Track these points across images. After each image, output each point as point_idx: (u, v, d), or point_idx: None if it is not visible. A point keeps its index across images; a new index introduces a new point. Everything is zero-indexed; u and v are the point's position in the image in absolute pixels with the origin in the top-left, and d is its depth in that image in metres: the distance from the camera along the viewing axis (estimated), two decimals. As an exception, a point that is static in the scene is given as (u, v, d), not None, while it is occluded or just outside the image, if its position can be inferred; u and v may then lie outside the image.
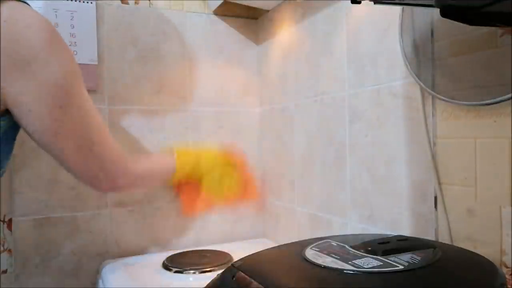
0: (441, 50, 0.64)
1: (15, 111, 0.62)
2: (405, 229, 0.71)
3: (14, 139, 0.69)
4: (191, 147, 1.01)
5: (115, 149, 0.75)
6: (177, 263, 0.92)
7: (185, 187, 0.99)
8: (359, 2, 0.57)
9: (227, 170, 0.99)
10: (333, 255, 0.49)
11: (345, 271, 0.44)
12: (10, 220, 0.97)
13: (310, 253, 0.50)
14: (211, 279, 0.50)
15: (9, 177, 0.97)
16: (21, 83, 0.60)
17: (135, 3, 1.10)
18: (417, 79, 0.66)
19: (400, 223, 0.73)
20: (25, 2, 0.64)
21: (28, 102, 0.61)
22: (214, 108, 1.19)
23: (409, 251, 0.48)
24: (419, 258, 0.46)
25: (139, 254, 1.07)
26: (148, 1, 1.11)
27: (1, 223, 0.97)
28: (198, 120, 1.17)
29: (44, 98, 0.62)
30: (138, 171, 0.81)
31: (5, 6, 0.59)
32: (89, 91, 1.03)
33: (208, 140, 1.18)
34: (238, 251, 0.96)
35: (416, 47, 0.68)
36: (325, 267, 0.45)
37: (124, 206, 1.08)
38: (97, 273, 1.02)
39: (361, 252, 0.49)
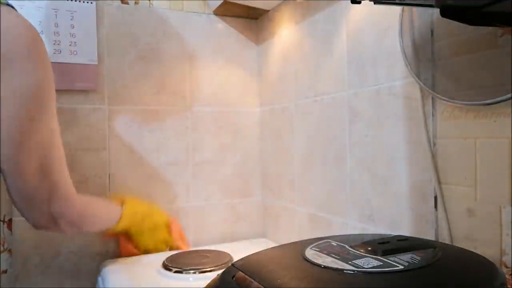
0: (441, 50, 0.64)
1: None
2: (405, 229, 0.71)
3: None
4: (140, 203, 1.00)
5: (69, 182, 0.71)
6: (177, 263, 0.92)
7: (121, 235, 1.02)
8: (359, 2, 0.57)
9: (163, 234, 1.04)
10: (333, 255, 0.49)
11: (345, 271, 0.44)
12: (10, 220, 0.97)
13: (310, 253, 0.50)
14: (211, 279, 0.50)
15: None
16: None
17: (135, 3, 1.10)
18: (417, 79, 0.66)
19: (400, 223, 0.73)
20: (11, 6, 0.63)
21: (2, 109, 0.58)
22: (214, 108, 1.19)
23: (409, 251, 0.48)
24: (419, 258, 0.46)
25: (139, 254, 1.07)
26: (148, 1, 1.11)
27: (1, 223, 0.97)
28: (198, 120, 1.17)
29: (17, 106, 0.59)
30: (83, 213, 0.77)
31: None
32: (89, 91, 1.04)
33: (208, 140, 1.18)
34: (238, 251, 0.95)
35: (416, 47, 0.68)
36: (325, 267, 0.45)
37: (124, 206, 1.07)
38: (97, 273, 1.01)
39: (361, 252, 0.49)
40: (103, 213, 0.87)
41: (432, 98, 0.65)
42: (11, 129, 0.60)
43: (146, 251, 1.03)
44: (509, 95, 0.52)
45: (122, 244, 1.03)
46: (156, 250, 1.03)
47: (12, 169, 0.64)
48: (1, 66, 0.57)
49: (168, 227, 1.05)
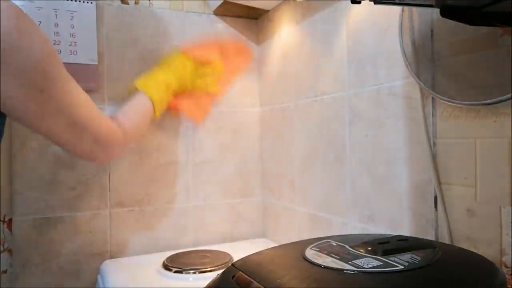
0: (441, 50, 0.64)
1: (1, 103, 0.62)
2: (405, 229, 0.71)
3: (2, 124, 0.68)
4: (150, 74, 0.96)
5: (104, 121, 0.76)
6: (177, 263, 0.92)
7: (179, 100, 1.01)
8: (359, 2, 0.57)
9: (203, 65, 1.01)
10: (333, 255, 0.49)
11: (345, 271, 0.44)
12: (10, 220, 0.97)
13: (310, 253, 0.50)
14: (211, 279, 0.50)
15: (9, 177, 0.97)
16: None
17: (135, 3, 1.10)
18: (417, 79, 0.66)
19: (400, 223, 0.73)
20: None
21: (7, 90, 0.61)
22: (214, 108, 1.19)
23: (409, 251, 0.48)
24: (419, 258, 0.46)
25: (139, 254, 1.07)
26: (148, 1, 1.11)
27: (1, 223, 0.97)
28: (198, 120, 1.17)
29: (23, 84, 0.62)
30: (129, 132, 0.82)
31: None
32: (89, 91, 1.03)
33: (208, 140, 1.18)
34: (238, 251, 0.96)
35: (416, 47, 0.68)
36: (325, 267, 0.45)
37: (124, 206, 1.08)
38: (97, 273, 1.02)
39: (361, 252, 0.49)
40: (141, 115, 0.89)
41: (432, 98, 0.65)
42: (28, 105, 0.63)
43: (217, 89, 1.02)
44: (509, 95, 0.52)
45: (188, 111, 1.02)
46: (218, 79, 1.02)
47: (49, 136, 0.69)
48: None
49: (196, 57, 1.01)
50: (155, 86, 0.93)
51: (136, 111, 0.88)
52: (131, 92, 0.91)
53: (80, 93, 0.71)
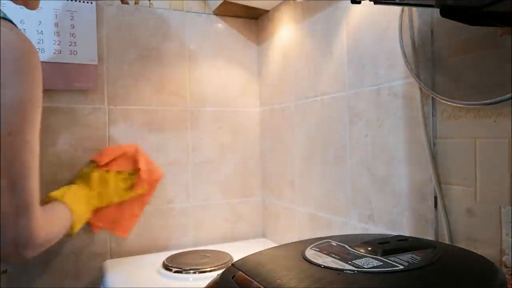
0: (441, 50, 0.64)
1: None
2: (405, 229, 0.71)
3: None
4: (63, 188, 0.91)
5: (39, 209, 0.67)
6: (177, 263, 0.92)
7: (100, 217, 0.99)
8: (359, 2, 0.57)
9: (107, 176, 0.97)
10: (333, 255, 0.49)
11: (345, 271, 0.44)
12: (10, 220, 0.97)
13: (310, 253, 0.50)
14: (211, 279, 0.50)
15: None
16: None
17: (135, 3, 1.10)
18: (417, 79, 0.66)
19: (400, 223, 0.73)
20: (8, 20, 0.62)
21: None
22: (214, 108, 1.19)
23: (409, 251, 0.48)
24: (419, 258, 0.46)
25: (139, 254, 1.07)
26: (148, 1, 1.11)
27: (1, 223, 0.96)
28: (198, 120, 1.17)
29: None
30: (49, 231, 0.71)
31: None
32: (89, 91, 1.04)
33: (208, 140, 1.18)
34: (238, 251, 0.96)
35: (416, 47, 0.68)
36: (325, 267, 0.45)
37: (124, 206, 1.07)
38: (97, 273, 1.02)
39: (361, 252, 0.49)
40: (61, 228, 0.80)
41: (432, 98, 0.65)
42: None
43: (115, 202, 0.98)
44: (509, 95, 0.52)
45: (110, 227, 1.01)
46: (122, 197, 0.98)
47: None
48: None
49: (106, 165, 0.98)
50: (74, 199, 0.87)
51: (56, 215, 0.80)
52: (48, 201, 0.85)
53: (37, 159, 0.66)
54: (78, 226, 0.88)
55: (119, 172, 0.99)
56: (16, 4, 0.72)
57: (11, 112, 0.60)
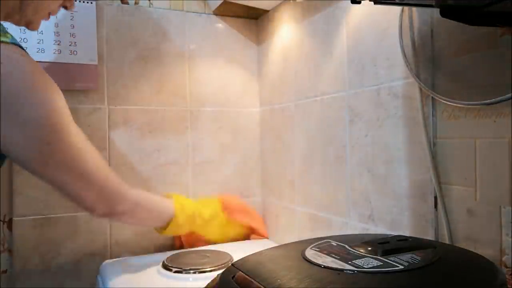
0: (441, 50, 0.64)
1: (3, 148, 0.64)
2: (405, 229, 0.71)
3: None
4: (189, 201, 1.02)
5: (111, 176, 0.76)
6: (177, 263, 0.92)
7: (187, 238, 1.05)
8: (359, 2, 0.57)
9: (226, 219, 1.06)
10: (333, 255, 0.49)
11: (345, 271, 0.44)
12: (10, 220, 0.97)
13: (310, 253, 0.50)
14: (211, 279, 0.50)
15: (9, 177, 0.97)
16: (5, 123, 0.62)
17: (135, 3, 1.10)
18: (417, 79, 0.66)
19: (400, 223, 0.73)
20: (14, 43, 0.64)
21: (15, 142, 0.64)
22: (214, 108, 1.19)
23: (409, 251, 0.48)
24: (419, 258, 0.46)
25: (139, 254, 1.07)
26: (148, 1, 1.11)
27: (1, 223, 0.97)
28: (198, 120, 1.17)
29: (30, 136, 0.64)
30: (136, 199, 0.81)
31: None
32: (89, 91, 1.04)
33: (208, 140, 1.18)
34: (238, 251, 0.96)
35: (416, 47, 0.68)
36: (325, 267, 0.45)
37: (124, 206, 1.07)
38: (97, 273, 1.01)
39: (361, 252, 0.49)
40: (156, 204, 0.89)
41: (432, 98, 0.65)
42: (33, 154, 0.66)
43: (218, 241, 1.07)
44: (509, 95, 0.52)
45: (184, 237, 1.06)
46: (227, 239, 1.08)
47: (52, 183, 0.70)
48: (9, 105, 0.62)
49: (228, 209, 1.07)
50: (187, 210, 0.95)
51: (150, 197, 0.88)
52: (166, 196, 0.95)
53: (87, 145, 0.74)
54: (170, 230, 0.93)
55: (231, 221, 1.09)
56: (18, 25, 0.77)
57: (40, 127, 0.65)
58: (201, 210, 1.00)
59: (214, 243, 1.07)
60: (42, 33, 0.98)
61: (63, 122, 0.69)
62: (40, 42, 0.98)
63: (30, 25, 0.77)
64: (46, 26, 0.99)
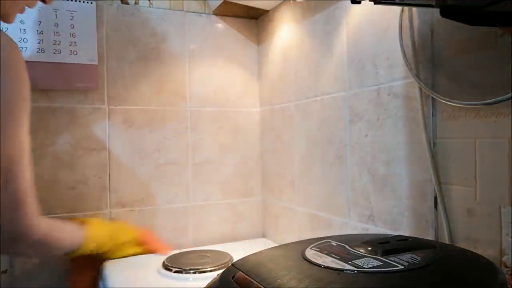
0: (441, 50, 0.64)
1: None
2: (405, 229, 0.71)
3: None
4: (105, 224, 0.96)
5: (34, 202, 0.69)
6: (177, 263, 0.92)
7: (81, 264, 0.96)
8: (359, 2, 0.57)
9: (132, 250, 0.99)
10: (333, 255, 0.49)
11: (345, 271, 0.44)
12: (10, 220, 0.97)
13: (310, 253, 0.50)
14: (211, 279, 0.50)
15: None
16: None
17: (135, 3, 1.10)
18: (417, 79, 0.66)
19: (400, 223, 0.73)
20: None
21: None
22: (214, 108, 1.19)
23: (409, 251, 0.48)
24: (419, 258, 0.46)
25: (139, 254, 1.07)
26: (148, 1, 1.11)
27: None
28: (198, 120, 1.17)
29: None
30: (47, 235, 0.73)
31: None
32: (89, 91, 1.04)
33: (208, 140, 1.18)
34: (238, 251, 0.96)
35: (416, 47, 0.68)
36: (325, 267, 0.45)
37: (124, 206, 1.08)
38: (97, 273, 1.01)
39: (361, 252, 0.49)
40: (67, 236, 0.82)
41: (432, 98, 0.65)
42: None
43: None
44: (509, 95, 0.52)
45: (73, 278, 0.97)
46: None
47: None
48: None
49: (140, 243, 1.00)
50: (97, 230, 0.89)
51: (64, 229, 0.81)
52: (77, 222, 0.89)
53: (27, 151, 0.68)
54: (82, 250, 0.86)
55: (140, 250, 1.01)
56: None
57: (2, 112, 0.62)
58: (116, 237, 0.95)
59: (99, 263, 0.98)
60: (42, 33, 0.98)
61: (19, 111, 0.65)
62: (40, 42, 0.98)
63: (5, 18, 0.74)
64: (46, 26, 0.99)
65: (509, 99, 0.53)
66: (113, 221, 1.04)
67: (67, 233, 0.82)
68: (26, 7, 0.76)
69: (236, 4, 1.12)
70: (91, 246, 0.87)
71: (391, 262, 0.45)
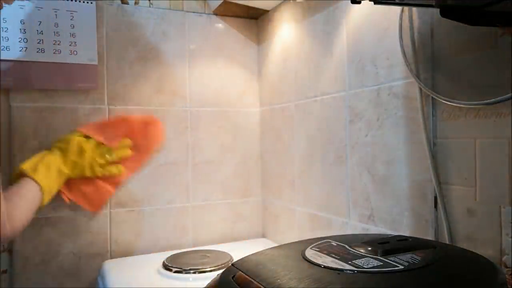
0: (441, 50, 0.64)
1: None
2: (405, 229, 0.71)
3: None
4: (40, 157, 0.87)
5: (3, 205, 0.70)
6: (177, 263, 0.92)
7: (73, 188, 0.92)
8: (359, 2, 0.57)
9: (106, 149, 0.91)
10: (333, 255, 0.49)
11: (345, 271, 0.44)
12: (10, 220, 0.97)
13: (310, 253, 0.50)
14: (211, 279, 0.50)
15: (9, 177, 0.97)
16: None
17: (135, 3, 1.10)
18: (417, 79, 0.66)
19: (400, 223, 0.73)
20: None
21: None
22: (214, 108, 1.19)
23: (409, 251, 0.48)
24: (419, 258, 0.46)
25: (139, 254, 1.07)
26: (148, 1, 1.11)
27: (1, 223, 0.96)
28: (198, 120, 1.17)
29: None
30: (15, 223, 0.75)
31: None
32: (89, 91, 1.04)
33: (208, 140, 1.18)
34: (238, 251, 0.96)
35: (416, 47, 0.68)
36: (325, 267, 0.45)
37: (124, 206, 1.08)
38: (97, 273, 1.02)
39: (361, 252, 0.49)
40: (30, 205, 0.81)
41: (432, 98, 0.65)
42: None
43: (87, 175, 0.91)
44: (509, 95, 0.52)
45: (84, 200, 0.94)
46: (95, 173, 0.91)
47: None
48: None
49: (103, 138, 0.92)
50: (45, 171, 0.84)
51: (24, 199, 0.80)
52: (18, 175, 0.84)
53: None
54: (47, 198, 0.84)
55: (98, 144, 0.93)
56: None
57: None
58: (55, 157, 0.88)
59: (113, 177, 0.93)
60: (42, 33, 0.98)
61: None
62: (40, 42, 0.98)
63: None
64: (47, 26, 0.99)
65: (509, 99, 0.53)
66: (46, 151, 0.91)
67: (28, 204, 0.80)
68: (4, 3, 0.72)
69: (236, 4, 1.12)
70: (52, 186, 0.84)
71: (391, 262, 0.45)
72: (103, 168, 0.92)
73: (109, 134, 0.94)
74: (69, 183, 0.92)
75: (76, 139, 0.91)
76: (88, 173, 0.91)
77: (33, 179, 0.82)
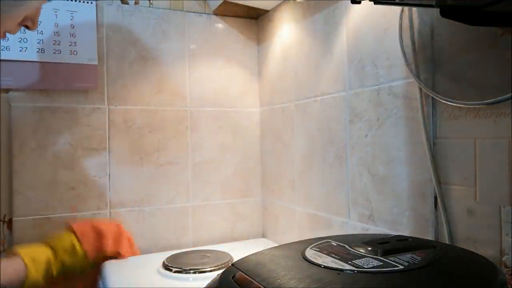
0: (441, 50, 0.64)
1: None
2: (405, 229, 0.71)
3: None
4: (35, 247, 0.89)
5: None
6: (177, 263, 0.92)
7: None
8: (359, 2, 0.57)
9: (84, 247, 0.94)
10: (333, 255, 0.49)
11: (345, 271, 0.44)
12: (10, 220, 0.97)
13: (310, 253, 0.50)
14: (211, 279, 0.50)
15: (9, 177, 0.97)
16: None
17: (135, 3, 1.10)
18: (417, 79, 0.66)
19: (400, 223, 0.73)
20: None
21: None
22: (214, 108, 1.19)
23: (409, 251, 0.48)
24: (419, 258, 0.46)
25: (139, 254, 1.07)
26: (148, 1, 1.11)
27: (1, 223, 0.97)
28: (198, 120, 1.17)
29: None
30: None
31: None
32: (89, 91, 1.04)
33: (208, 140, 1.18)
34: (238, 251, 0.96)
35: (416, 47, 0.68)
36: (325, 267, 0.45)
37: (124, 206, 1.08)
38: (97, 273, 1.01)
39: (361, 252, 0.49)
40: (6, 274, 0.81)
41: (432, 98, 0.65)
42: None
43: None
44: (509, 95, 0.52)
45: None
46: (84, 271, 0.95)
47: None
48: None
49: (81, 236, 0.95)
50: (35, 259, 0.86)
51: (3, 268, 0.81)
52: (11, 254, 0.85)
53: None
54: (29, 285, 0.84)
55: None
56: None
57: None
58: (57, 253, 0.91)
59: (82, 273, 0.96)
60: (42, 33, 0.98)
61: None
62: (40, 42, 0.98)
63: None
64: (46, 26, 0.99)
65: (509, 99, 0.53)
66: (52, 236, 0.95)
67: (5, 271, 0.81)
68: (7, 33, 0.74)
69: (236, 4, 1.12)
70: (37, 275, 0.85)
71: (391, 262, 0.45)
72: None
73: (95, 245, 0.96)
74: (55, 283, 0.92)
75: (68, 239, 0.93)
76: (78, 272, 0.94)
77: (22, 259, 0.84)
